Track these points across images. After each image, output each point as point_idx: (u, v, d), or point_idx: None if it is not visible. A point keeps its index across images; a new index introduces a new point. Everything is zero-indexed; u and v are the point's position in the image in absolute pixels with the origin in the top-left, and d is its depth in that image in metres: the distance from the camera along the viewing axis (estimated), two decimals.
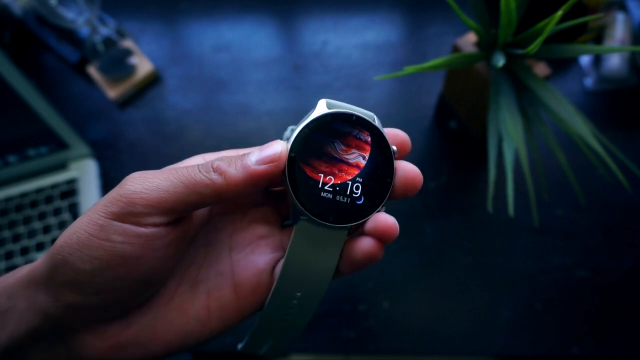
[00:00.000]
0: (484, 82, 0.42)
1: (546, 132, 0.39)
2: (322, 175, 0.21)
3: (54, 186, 0.57)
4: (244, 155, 0.21)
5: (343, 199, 0.21)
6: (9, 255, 0.54)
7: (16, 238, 0.55)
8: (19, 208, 0.56)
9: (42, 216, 0.55)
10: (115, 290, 0.20)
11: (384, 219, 0.21)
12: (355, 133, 0.21)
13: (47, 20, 0.58)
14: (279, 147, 0.21)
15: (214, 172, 0.20)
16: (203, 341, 0.23)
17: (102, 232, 0.19)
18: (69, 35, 0.65)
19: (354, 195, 0.21)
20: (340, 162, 0.21)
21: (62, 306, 0.20)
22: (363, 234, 0.22)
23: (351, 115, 0.21)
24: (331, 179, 0.21)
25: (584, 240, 0.50)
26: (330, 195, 0.21)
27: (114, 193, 0.20)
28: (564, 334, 0.47)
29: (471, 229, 0.52)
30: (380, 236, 0.21)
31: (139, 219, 0.20)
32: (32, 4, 0.66)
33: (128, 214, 0.19)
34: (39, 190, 0.57)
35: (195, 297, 0.23)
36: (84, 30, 0.65)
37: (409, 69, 0.34)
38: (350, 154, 0.21)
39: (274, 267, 0.24)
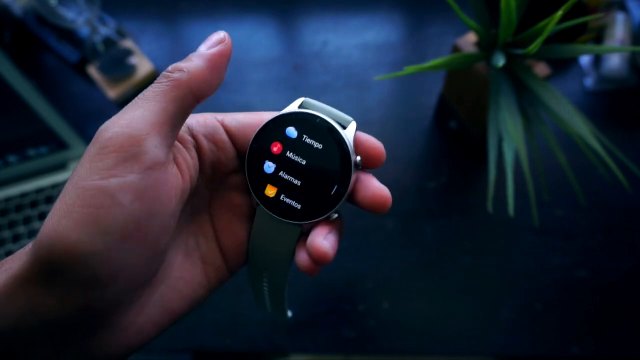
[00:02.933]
0: (484, 82, 0.42)
1: (546, 132, 0.39)
2: (276, 170, 0.22)
3: (54, 186, 0.57)
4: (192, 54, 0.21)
5: (289, 197, 0.22)
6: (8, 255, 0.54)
7: (16, 238, 0.55)
8: (19, 208, 0.56)
9: (42, 216, 0.55)
10: (131, 269, 0.18)
11: (318, 243, 0.21)
12: (315, 136, 0.22)
13: (47, 20, 0.58)
14: (221, 34, 0.21)
15: (173, 72, 0.19)
16: (205, 299, 0.24)
17: (106, 198, 0.16)
18: (69, 35, 0.65)
19: (300, 196, 0.22)
20: (294, 162, 0.22)
21: (71, 309, 0.17)
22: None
23: (315, 117, 0.22)
24: (284, 176, 0.22)
25: (584, 240, 0.50)
26: (282, 192, 0.22)
27: (93, 149, 0.17)
28: (564, 334, 0.47)
29: (471, 229, 0.52)
30: (312, 257, 0.21)
31: (138, 160, 0.17)
32: (32, 4, 0.66)
33: (122, 162, 0.17)
34: (39, 190, 0.57)
35: (193, 266, 0.23)
36: (84, 30, 0.65)
37: (409, 69, 0.34)
38: (306, 155, 0.22)
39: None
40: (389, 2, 0.66)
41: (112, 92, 0.61)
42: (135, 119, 0.18)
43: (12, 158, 0.56)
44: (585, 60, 0.59)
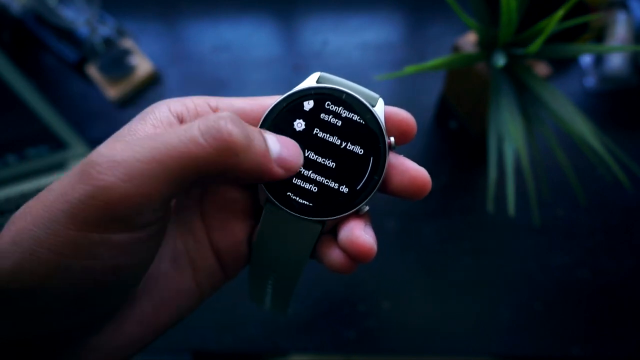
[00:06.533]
0: (484, 82, 0.42)
1: (546, 132, 0.39)
2: None
3: None
4: (260, 132, 0.17)
5: (314, 188, 0.18)
6: None
7: None
8: (18, 208, 0.56)
9: None
10: (95, 302, 0.16)
11: (361, 238, 0.18)
12: (340, 115, 0.18)
13: (47, 20, 0.58)
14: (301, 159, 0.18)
15: (220, 135, 0.15)
16: (196, 308, 0.21)
17: (80, 250, 0.14)
18: (69, 35, 0.65)
19: (328, 186, 0.18)
20: (318, 148, 0.18)
21: (24, 335, 0.15)
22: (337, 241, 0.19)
23: (340, 92, 0.18)
24: (304, 165, 0.19)
25: (584, 240, 0.50)
26: (299, 182, 0.18)
27: (79, 191, 0.14)
28: (564, 334, 0.47)
29: (471, 229, 0.52)
30: (351, 255, 0.18)
31: (127, 222, 0.15)
32: (31, 4, 0.66)
33: (110, 222, 0.14)
34: (38, 191, 0.57)
35: (181, 273, 0.20)
36: (83, 30, 0.65)
37: (409, 69, 0.34)
38: (331, 139, 0.18)
39: (250, 235, 0.22)
40: (389, 2, 0.66)
41: (112, 92, 0.61)
42: (142, 174, 0.14)
43: (11, 158, 0.56)
44: (586, 60, 0.59)
